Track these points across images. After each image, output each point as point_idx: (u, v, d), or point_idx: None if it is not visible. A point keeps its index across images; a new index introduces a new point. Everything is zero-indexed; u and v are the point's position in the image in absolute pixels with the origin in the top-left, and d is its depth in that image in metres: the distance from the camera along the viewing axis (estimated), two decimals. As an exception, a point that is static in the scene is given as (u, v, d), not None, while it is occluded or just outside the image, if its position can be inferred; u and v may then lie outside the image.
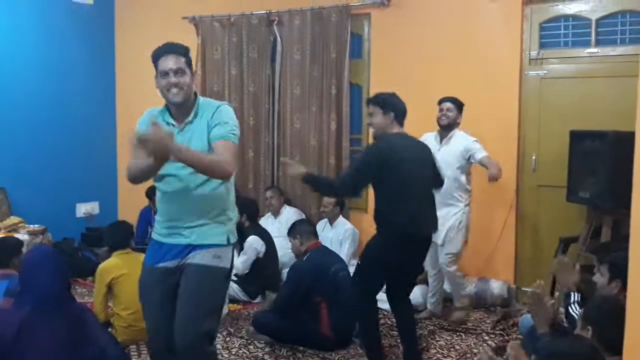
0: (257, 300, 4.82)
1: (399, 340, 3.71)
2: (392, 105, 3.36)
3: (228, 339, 4.01)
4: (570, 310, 2.80)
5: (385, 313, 4.20)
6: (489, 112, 4.80)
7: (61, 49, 5.89)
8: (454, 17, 5.00)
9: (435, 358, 3.76)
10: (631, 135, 1.89)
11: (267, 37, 5.67)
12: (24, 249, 3.81)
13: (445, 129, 4.33)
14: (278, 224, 5.39)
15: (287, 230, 4.32)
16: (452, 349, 3.90)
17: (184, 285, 2.55)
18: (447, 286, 4.54)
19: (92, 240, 5.79)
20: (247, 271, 4.76)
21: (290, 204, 5.58)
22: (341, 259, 4.22)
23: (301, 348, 3.84)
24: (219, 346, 3.79)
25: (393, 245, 3.24)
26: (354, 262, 4.95)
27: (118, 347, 3.01)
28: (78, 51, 6.05)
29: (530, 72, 4.82)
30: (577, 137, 4.26)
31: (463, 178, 4.31)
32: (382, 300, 3.64)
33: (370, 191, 3.63)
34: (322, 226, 5.19)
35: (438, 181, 3.57)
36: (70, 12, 5.94)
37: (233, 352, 3.79)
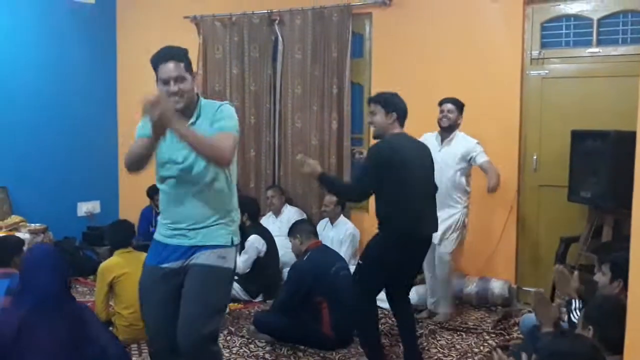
0: (258, 299, 4.82)
1: (399, 340, 3.72)
2: (394, 105, 3.36)
3: (229, 338, 4.01)
4: (572, 317, 2.80)
5: (386, 312, 4.20)
6: (490, 112, 4.80)
7: (62, 48, 5.89)
8: (455, 16, 5.00)
9: (435, 357, 3.76)
10: (632, 135, 1.88)
11: (269, 37, 5.67)
12: (25, 248, 3.82)
13: (446, 130, 4.33)
14: (279, 223, 5.39)
15: (288, 230, 4.32)
16: (453, 348, 3.90)
17: (189, 285, 2.55)
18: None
19: (93, 239, 5.79)
20: (248, 270, 4.76)
21: (291, 203, 5.58)
22: (342, 258, 4.22)
23: (302, 347, 3.84)
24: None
25: (393, 245, 3.25)
26: (354, 261, 4.97)
27: (119, 345, 3.01)
28: (79, 50, 6.05)
29: (531, 72, 4.82)
30: (578, 137, 4.26)
31: (463, 180, 4.31)
32: (382, 299, 3.64)
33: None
34: (323, 225, 5.20)
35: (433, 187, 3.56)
36: (71, 12, 5.94)
37: (234, 351, 3.80)
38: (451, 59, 5.00)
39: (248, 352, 3.80)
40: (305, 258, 4.01)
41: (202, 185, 2.55)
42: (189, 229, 2.57)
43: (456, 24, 5.00)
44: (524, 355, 2.09)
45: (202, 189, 2.55)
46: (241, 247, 4.70)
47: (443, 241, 4.24)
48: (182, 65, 2.51)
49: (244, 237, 4.68)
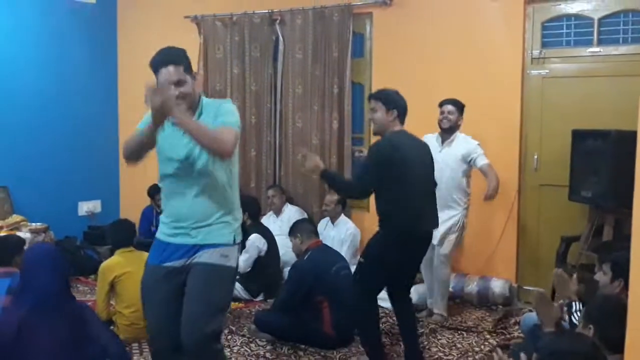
0: (259, 298, 4.82)
1: (400, 339, 3.72)
2: (394, 103, 3.36)
3: (230, 337, 4.01)
4: (573, 320, 2.80)
5: (387, 312, 4.21)
6: (491, 112, 4.80)
7: (63, 48, 5.90)
8: (456, 16, 5.00)
9: (436, 356, 3.76)
10: (633, 135, 1.89)
11: (269, 37, 5.67)
12: (26, 247, 3.82)
13: (447, 132, 4.34)
14: (280, 222, 5.40)
15: (288, 229, 4.32)
16: (454, 347, 3.90)
17: (191, 284, 2.55)
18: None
19: (94, 239, 5.80)
20: (248, 269, 4.77)
21: (292, 202, 5.58)
22: (342, 257, 4.22)
23: (302, 346, 3.85)
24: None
25: (394, 243, 3.25)
26: (355, 261, 4.97)
27: (120, 345, 3.02)
28: (80, 50, 6.05)
29: (532, 72, 4.82)
30: (579, 137, 4.26)
31: (464, 181, 4.32)
32: (383, 298, 3.65)
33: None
34: (324, 225, 5.20)
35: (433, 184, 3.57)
36: (72, 12, 5.94)
37: (235, 350, 3.80)
38: (452, 58, 5.00)
39: (249, 351, 3.81)
40: (306, 257, 4.01)
41: (203, 183, 2.55)
42: (192, 228, 2.57)
43: (457, 23, 5.00)
44: (522, 356, 2.09)
45: (203, 186, 2.55)
46: (242, 246, 4.70)
47: (443, 242, 4.24)
48: (181, 68, 2.51)
49: (245, 236, 4.68)
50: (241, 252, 4.68)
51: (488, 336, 4.09)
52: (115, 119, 6.39)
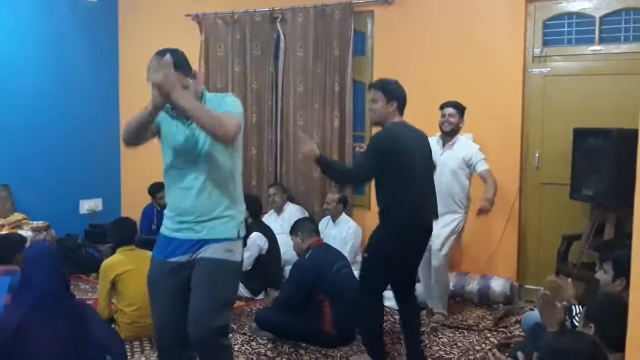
0: (260, 296, 4.83)
1: (400, 338, 3.71)
2: (395, 94, 3.34)
3: (231, 335, 4.00)
4: (575, 323, 2.80)
5: (387, 310, 4.20)
6: (492, 110, 4.80)
7: (64, 47, 5.90)
8: (457, 14, 4.99)
9: (437, 355, 3.76)
10: (635, 133, 1.89)
11: (271, 35, 5.67)
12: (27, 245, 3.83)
13: (448, 135, 4.33)
14: (281, 221, 5.40)
15: (290, 228, 4.32)
16: (455, 346, 3.90)
17: (197, 279, 2.55)
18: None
19: (96, 237, 5.82)
20: (249, 268, 4.77)
21: (293, 201, 5.58)
22: (343, 256, 4.22)
23: (303, 345, 3.85)
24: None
25: (395, 235, 3.24)
26: (358, 259, 4.97)
27: (121, 344, 3.02)
28: (81, 49, 6.05)
29: (533, 70, 4.81)
30: (580, 135, 4.26)
31: (466, 183, 4.32)
32: (388, 297, 3.62)
33: (372, 188, 3.62)
34: (325, 223, 5.20)
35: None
36: (73, 11, 5.95)
37: (236, 349, 3.80)
38: (453, 56, 5.00)
39: (250, 349, 3.81)
40: (307, 256, 4.01)
41: (206, 174, 2.55)
42: (195, 222, 2.57)
43: (458, 21, 4.99)
44: (520, 354, 2.09)
45: (206, 178, 2.56)
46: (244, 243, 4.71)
47: (444, 245, 4.24)
48: (181, 73, 2.49)
49: (246, 234, 4.68)
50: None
51: (489, 335, 4.09)
52: (116, 117, 6.39)
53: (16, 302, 2.77)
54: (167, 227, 2.66)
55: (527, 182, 4.88)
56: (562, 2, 4.72)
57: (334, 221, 5.16)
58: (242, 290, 4.77)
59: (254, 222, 4.94)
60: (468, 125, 4.42)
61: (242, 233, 2.69)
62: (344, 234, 5.03)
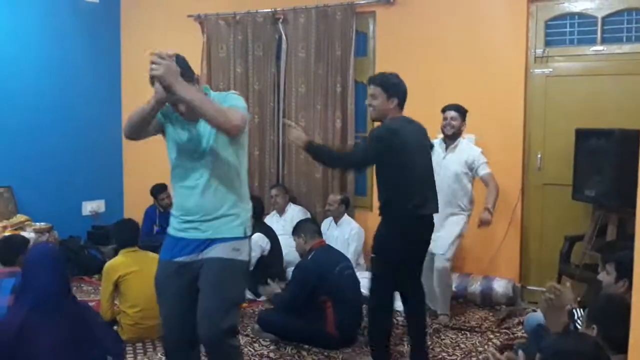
0: (262, 298, 4.82)
1: (403, 339, 3.70)
2: (396, 91, 3.32)
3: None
4: (578, 327, 2.79)
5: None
6: (494, 110, 4.80)
7: (66, 47, 5.91)
8: (459, 14, 4.99)
9: (440, 356, 3.76)
10: (637, 133, 1.89)
11: (272, 35, 5.67)
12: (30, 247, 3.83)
13: (450, 138, 4.33)
14: (283, 222, 5.40)
15: (292, 229, 4.32)
16: (457, 348, 3.90)
17: (204, 278, 2.55)
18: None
19: (98, 238, 5.82)
20: (251, 269, 4.76)
21: (295, 202, 5.58)
22: (346, 257, 4.22)
23: (306, 346, 3.85)
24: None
25: (397, 229, 3.23)
26: (361, 261, 4.97)
27: (120, 346, 3.02)
28: (83, 50, 6.06)
29: (535, 70, 4.81)
30: (582, 135, 4.26)
31: (468, 186, 4.31)
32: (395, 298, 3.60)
33: (374, 189, 3.61)
34: (327, 225, 5.20)
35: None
36: (75, 11, 5.96)
37: (238, 350, 3.80)
38: (455, 57, 4.99)
39: (252, 351, 3.81)
40: (309, 257, 4.01)
41: (210, 174, 2.55)
42: (201, 221, 2.57)
43: (460, 22, 4.99)
44: (520, 353, 2.09)
45: (210, 177, 2.55)
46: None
47: (448, 249, 4.23)
48: (183, 79, 2.46)
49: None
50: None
51: (491, 336, 4.09)
52: (118, 118, 6.37)
53: (18, 303, 2.78)
54: (174, 227, 2.66)
55: (529, 182, 4.87)
56: (564, 3, 4.71)
57: (336, 222, 5.16)
58: (244, 291, 4.77)
59: (256, 223, 4.92)
60: (470, 126, 4.41)
61: (249, 232, 2.68)
62: (346, 235, 5.03)
